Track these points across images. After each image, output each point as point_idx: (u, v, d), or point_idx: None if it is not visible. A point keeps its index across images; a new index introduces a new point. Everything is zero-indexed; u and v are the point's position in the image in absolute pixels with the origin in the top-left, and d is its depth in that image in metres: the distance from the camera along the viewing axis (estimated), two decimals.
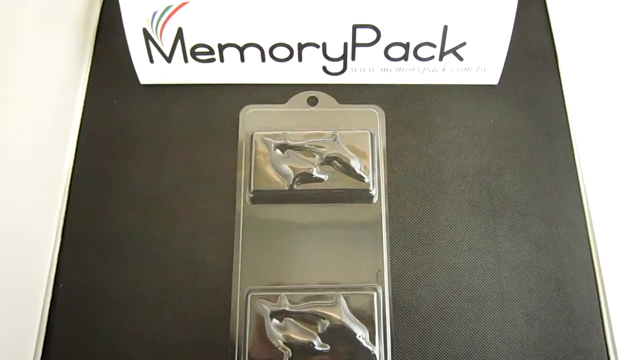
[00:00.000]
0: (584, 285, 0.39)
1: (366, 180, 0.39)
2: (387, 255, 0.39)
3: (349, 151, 0.40)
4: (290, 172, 0.39)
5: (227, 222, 0.40)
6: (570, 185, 0.41)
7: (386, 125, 0.43)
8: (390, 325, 0.37)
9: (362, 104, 0.43)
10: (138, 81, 0.44)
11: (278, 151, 0.39)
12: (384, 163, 0.41)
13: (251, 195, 0.39)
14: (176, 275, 0.39)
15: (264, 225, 0.39)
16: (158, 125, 0.43)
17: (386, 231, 0.39)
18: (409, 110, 0.44)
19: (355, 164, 0.39)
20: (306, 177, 0.39)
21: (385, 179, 0.41)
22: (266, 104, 0.43)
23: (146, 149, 0.42)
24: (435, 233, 0.40)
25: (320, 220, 0.39)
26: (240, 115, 0.42)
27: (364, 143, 0.40)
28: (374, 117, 0.43)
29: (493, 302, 0.38)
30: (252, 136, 0.41)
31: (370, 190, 0.40)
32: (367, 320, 0.36)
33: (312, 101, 0.43)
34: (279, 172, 0.39)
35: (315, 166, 0.39)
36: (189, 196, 0.41)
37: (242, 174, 0.40)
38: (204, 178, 0.42)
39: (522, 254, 0.39)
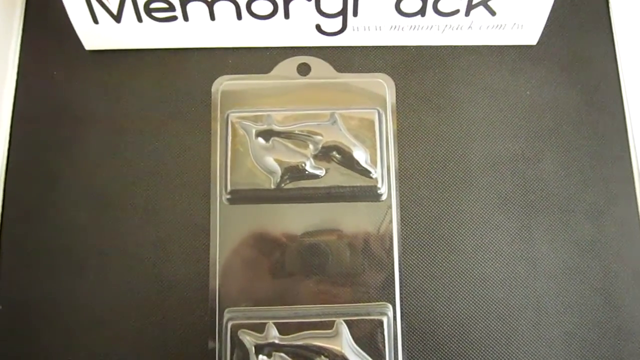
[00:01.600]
0: (635, 297, 0.31)
1: (373, 175, 0.30)
2: (398, 265, 0.31)
3: (351, 137, 0.30)
4: (277, 167, 0.29)
5: (200, 227, 0.32)
6: (622, 174, 0.33)
7: (397, 100, 0.33)
8: (403, 354, 0.30)
9: (366, 72, 0.34)
10: (82, 47, 0.34)
11: (260, 140, 0.30)
12: (395, 149, 0.32)
13: (228, 197, 0.31)
14: (139, 294, 0.31)
15: (246, 231, 0.30)
16: (110, 104, 0.34)
17: (397, 236, 0.31)
18: (425, 79, 0.34)
19: (360, 155, 0.30)
20: (297, 173, 0.30)
21: (395, 170, 0.32)
22: (244, 74, 0.33)
23: (97, 133, 0.33)
24: (458, 236, 0.32)
25: (316, 226, 0.30)
26: (213, 89, 0.33)
27: (370, 126, 0.31)
28: (381, 90, 0.33)
29: (527, 319, 0.31)
30: (227, 118, 0.31)
31: (379, 188, 0.31)
32: (375, 351, 0.29)
33: (303, 70, 0.33)
34: (262, 167, 0.30)
35: (309, 159, 0.30)
36: (152, 193, 0.33)
37: (216, 167, 0.31)
38: (169, 170, 0.33)
39: (562, 259, 0.32)
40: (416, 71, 0.34)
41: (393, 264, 0.30)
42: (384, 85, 0.33)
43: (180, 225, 0.32)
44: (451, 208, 0.32)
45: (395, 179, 0.32)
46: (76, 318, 0.31)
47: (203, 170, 0.32)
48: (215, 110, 0.32)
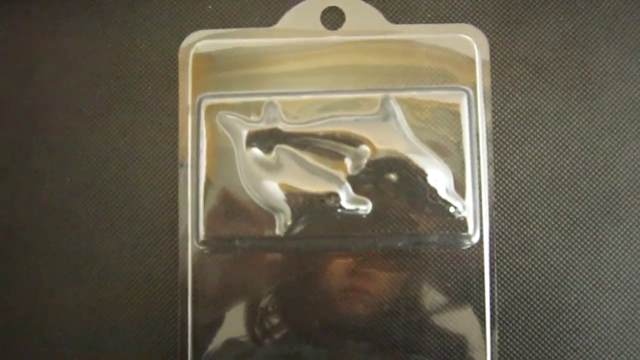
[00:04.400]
0: None
1: (459, 211, 0.16)
2: (491, 352, 0.17)
3: (420, 144, 0.16)
4: (285, 205, 0.16)
5: (164, 286, 0.19)
6: None
7: (493, 73, 0.19)
8: None
9: (441, 22, 0.19)
10: None
11: (256, 150, 0.16)
12: (489, 160, 0.18)
13: (201, 248, 0.17)
14: None
15: (236, 295, 0.17)
16: (16, 77, 0.20)
17: (491, 304, 0.18)
18: (541, 36, 0.19)
19: (437, 177, 0.15)
20: (323, 210, 0.16)
21: (490, 196, 0.19)
22: (231, 27, 0.19)
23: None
24: (594, 304, 0.18)
25: (355, 289, 0.17)
26: (181, 54, 0.19)
27: (452, 121, 0.16)
28: (467, 54, 0.18)
29: None
30: (199, 106, 0.18)
31: (469, 234, 0.17)
32: None
33: (333, 19, 0.19)
34: (260, 198, 0.15)
35: (345, 185, 0.16)
36: (87, 229, 0.20)
37: (186, 193, 0.18)
38: (114, 192, 0.20)
39: None
40: (526, 21, 0.19)
41: (485, 350, 0.17)
42: (472, 46, 0.18)
43: (133, 282, 0.19)
44: (583, 258, 0.19)
45: (491, 210, 0.18)
46: None
47: (167, 193, 0.19)
48: (184, 91, 0.18)
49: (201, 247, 0.17)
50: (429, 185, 0.16)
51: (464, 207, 0.16)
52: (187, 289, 0.18)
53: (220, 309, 0.17)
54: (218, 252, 0.17)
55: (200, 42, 0.18)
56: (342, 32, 0.19)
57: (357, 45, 0.18)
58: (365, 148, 0.16)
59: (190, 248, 0.18)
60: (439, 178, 0.16)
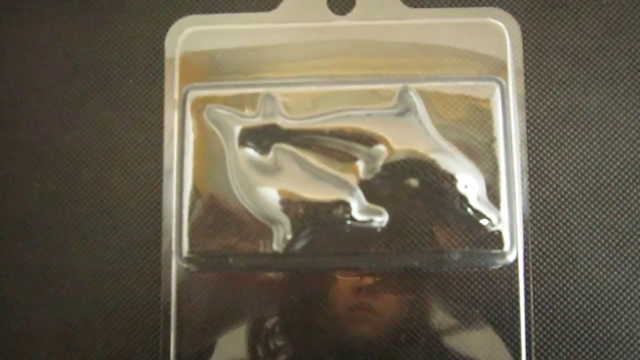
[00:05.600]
0: None
1: (494, 223, 0.13)
2: None
3: (445, 143, 0.14)
4: (284, 215, 0.13)
5: (145, 306, 0.16)
6: None
7: (525, 63, 0.16)
8: None
9: (464, 5, 0.16)
10: None
11: (250, 151, 0.14)
12: (523, 165, 0.15)
13: (185, 266, 0.15)
14: None
15: (226, 320, 0.15)
16: None
17: (526, 333, 0.15)
18: (581, 21, 0.17)
19: (468, 184, 0.13)
20: (331, 222, 0.13)
21: (524, 207, 0.15)
22: (226, 12, 0.16)
23: None
24: None
25: (367, 316, 0.14)
26: (168, 42, 0.16)
27: (483, 117, 0.14)
28: (496, 42, 0.16)
29: None
30: (184, 98, 0.15)
31: (505, 251, 0.14)
32: None
33: (341, 3, 0.16)
34: (254, 208, 0.13)
35: (356, 192, 0.14)
36: (57, 241, 0.17)
37: (171, 203, 0.15)
38: (89, 197, 0.18)
39: None
40: (563, 3, 0.17)
41: None
42: (501, 33, 0.16)
43: (109, 304, 0.17)
44: (635, 279, 0.16)
45: (525, 224, 0.15)
46: None
47: (150, 202, 0.16)
48: (170, 85, 0.16)
49: (186, 265, 0.14)
50: (457, 192, 0.13)
51: (499, 220, 0.13)
52: (170, 314, 0.15)
53: (208, 338, 0.15)
54: (206, 271, 0.15)
55: (190, 29, 0.16)
56: (352, 16, 0.16)
57: (370, 32, 0.16)
58: (380, 148, 0.13)
59: (175, 266, 0.15)
60: (469, 183, 0.13)
